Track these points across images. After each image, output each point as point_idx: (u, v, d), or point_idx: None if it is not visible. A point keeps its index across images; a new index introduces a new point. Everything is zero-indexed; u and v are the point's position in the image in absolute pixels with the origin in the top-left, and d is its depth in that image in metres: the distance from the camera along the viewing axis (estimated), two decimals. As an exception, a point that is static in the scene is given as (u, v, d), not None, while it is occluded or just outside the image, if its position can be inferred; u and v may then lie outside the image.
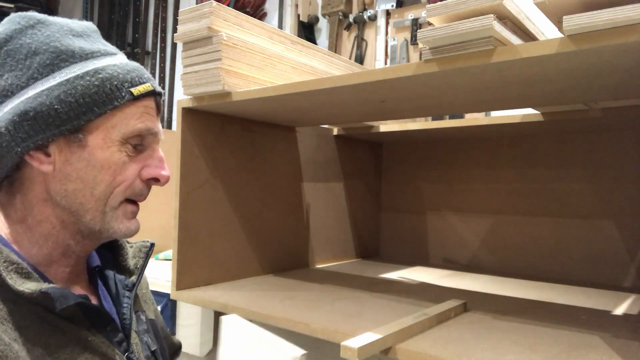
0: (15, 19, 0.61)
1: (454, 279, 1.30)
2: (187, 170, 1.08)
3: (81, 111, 0.59)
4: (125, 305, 0.70)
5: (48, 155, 0.60)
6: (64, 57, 0.60)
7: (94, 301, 0.66)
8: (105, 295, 0.70)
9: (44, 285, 0.57)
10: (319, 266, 1.45)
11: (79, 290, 0.67)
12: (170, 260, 1.63)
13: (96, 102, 0.60)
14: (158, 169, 0.67)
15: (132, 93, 0.62)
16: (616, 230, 1.27)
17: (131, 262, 0.74)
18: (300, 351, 0.77)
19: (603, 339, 0.79)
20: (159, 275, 1.46)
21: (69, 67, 0.60)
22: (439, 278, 1.31)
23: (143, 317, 0.74)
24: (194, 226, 1.09)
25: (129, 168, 0.64)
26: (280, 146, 1.33)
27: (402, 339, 0.76)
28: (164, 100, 2.99)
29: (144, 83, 0.64)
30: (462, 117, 1.50)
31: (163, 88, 2.99)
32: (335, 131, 1.52)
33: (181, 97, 1.08)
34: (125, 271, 0.73)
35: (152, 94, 0.65)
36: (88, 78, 0.59)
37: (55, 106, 0.58)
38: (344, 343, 0.69)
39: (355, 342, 0.69)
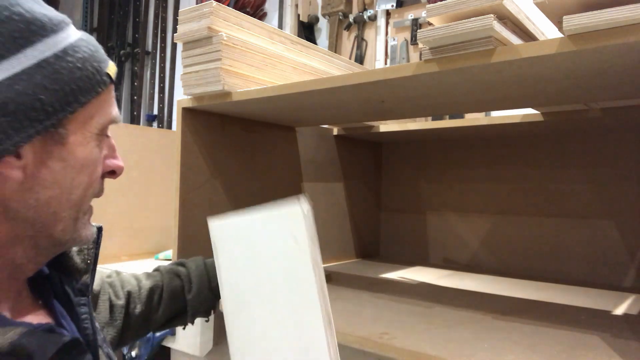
0: None
1: (454, 279, 1.30)
2: (187, 170, 1.08)
3: (67, 101, 0.48)
4: (84, 316, 0.59)
5: (19, 158, 0.47)
6: (34, 29, 0.46)
7: (47, 321, 0.54)
8: (60, 310, 0.58)
9: (13, 335, 0.43)
10: (319, 266, 1.45)
11: (31, 317, 0.53)
12: (170, 260, 1.63)
13: (81, 89, 0.49)
14: (114, 159, 0.57)
15: (109, 76, 0.53)
16: (616, 230, 1.27)
17: (77, 259, 0.61)
18: (299, 200, 0.64)
19: (603, 339, 0.79)
20: (159, 275, 1.46)
21: (41, 42, 0.47)
22: (439, 278, 1.31)
23: (97, 325, 0.63)
24: (194, 226, 1.09)
25: (100, 164, 0.55)
26: (280, 146, 1.33)
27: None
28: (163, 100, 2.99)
29: (108, 60, 0.54)
30: (462, 117, 1.50)
31: (163, 88, 2.99)
32: (335, 131, 1.52)
33: (181, 97, 1.08)
34: (73, 272, 0.60)
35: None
36: (69, 58, 0.48)
37: (40, 96, 0.46)
38: None
39: None
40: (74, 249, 0.61)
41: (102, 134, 0.54)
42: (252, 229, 0.70)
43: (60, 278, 0.60)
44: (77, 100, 0.49)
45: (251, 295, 0.70)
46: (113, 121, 0.55)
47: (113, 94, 0.55)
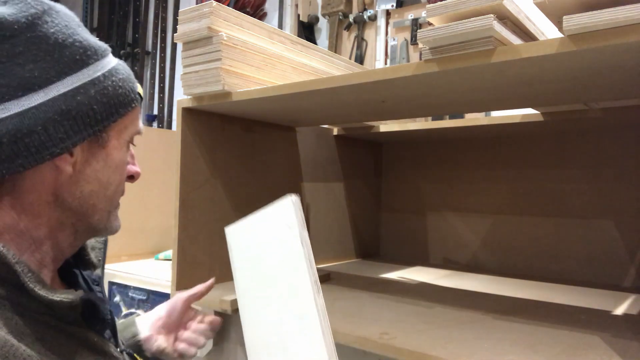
0: (27, 0, 0.56)
1: (454, 279, 1.30)
2: (187, 170, 1.08)
3: (110, 112, 0.59)
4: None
5: (72, 155, 0.58)
6: (90, 54, 0.58)
7: None
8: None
9: (79, 293, 0.56)
10: (319, 266, 1.45)
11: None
12: (170, 260, 1.63)
13: (121, 103, 0.60)
14: (134, 166, 0.69)
15: (140, 94, 0.64)
16: (616, 230, 1.27)
17: (92, 255, 0.72)
18: (290, 195, 0.75)
19: (603, 339, 0.79)
20: (159, 275, 1.47)
21: (94, 65, 0.58)
22: (439, 278, 1.31)
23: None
24: (194, 226, 1.09)
25: (126, 167, 0.66)
26: (280, 146, 1.33)
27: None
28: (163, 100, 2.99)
29: (136, 82, 0.65)
30: (462, 117, 1.50)
31: (163, 88, 2.99)
32: (335, 131, 1.52)
33: (181, 97, 1.08)
34: (89, 265, 0.71)
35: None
36: (113, 78, 0.60)
37: (94, 106, 0.57)
38: None
39: None
40: (89, 246, 0.72)
41: (131, 142, 0.66)
42: (254, 227, 0.79)
43: (80, 269, 0.70)
44: (118, 112, 0.60)
45: (257, 287, 0.77)
46: (139, 132, 0.67)
47: (141, 110, 0.67)
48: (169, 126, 2.92)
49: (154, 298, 1.43)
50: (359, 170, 1.63)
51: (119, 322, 0.83)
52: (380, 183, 1.73)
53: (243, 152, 1.22)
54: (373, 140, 1.68)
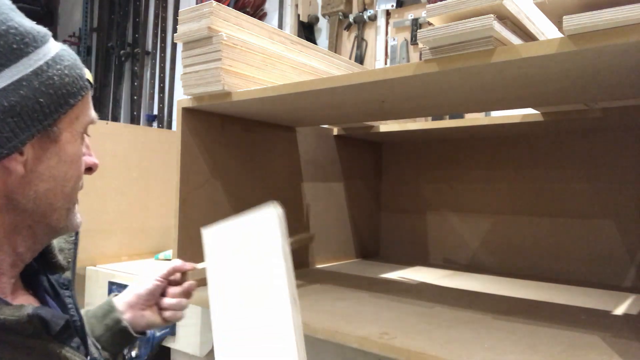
0: None
1: (454, 279, 1.30)
2: (187, 170, 1.08)
3: (59, 103, 0.54)
4: (70, 306, 0.65)
5: (22, 154, 0.53)
6: (28, 41, 0.52)
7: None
8: (48, 301, 0.64)
9: (29, 309, 0.52)
10: (319, 266, 1.45)
11: (24, 301, 0.60)
12: (170, 260, 1.63)
13: (70, 92, 0.56)
14: (90, 157, 0.64)
15: (89, 81, 0.59)
16: (616, 230, 1.27)
17: (60, 257, 0.67)
18: (273, 205, 0.73)
19: (603, 339, 0.79)
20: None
21: (34, 53, 0.53)
22: (439, 278, 1.31)
23: (83, 315, 0.70)
24: (194, 226, 1.08)
25: (83, 159, 0.61)
26: (280, 146, 1.33)
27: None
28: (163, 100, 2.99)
29: (84, 67, 0.60)
30: (462, 117, 1.50)
31: (163, 88, 2.99)
32: (335, 131, 1.52)
33: (181, 97, 1.08)
34: (57, 268, 0.67)
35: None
36: (58, 66, 0.54)
37: (40, 99, 0.52)
38: None
39: None
40: (57, 248, 0.67)
41: (84, 133, 0.60)
42: (234, 233, 0.79)
43: (46, 273, 0.66)
44: (67, 102, 0.55)
45: (232, 293, 0.77)
46: (92, 121, 0.62)
47: (91, 97, 0.62)
48: (169, 126, 2.92)
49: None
50: (359, 171, 1.63)
51: (97, 308, 0.82)
52: (380, 183, 1.73)
53: (243, 152, 1.22)
54: (373, 140, 1.67)
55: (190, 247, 1.08)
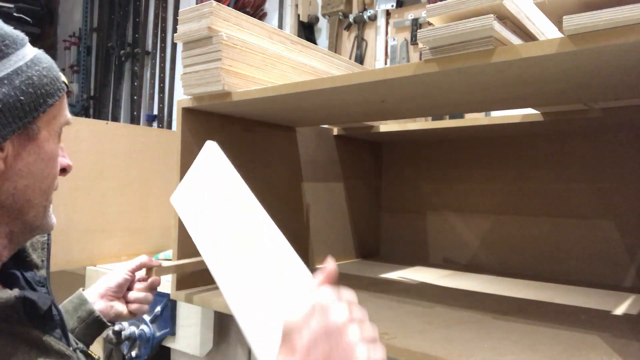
0: None
1: (454, 279, 1.30)
2: (187, 170, 1.07)
3: (39, 102, 0.57)
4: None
5: (2, 150, 0.55)
6: (8, 43, 0.56)
7: None
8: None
9: (15, 292, 0.54)
10: (319, 266, 1.45)
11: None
12: (170, 260, 1.63)
13: (48, 92, 0.58)
14: (65, 158, 0.66)
15: (65, 83, 0.62)
16: (616, 230, 1.27)
17: (34, 256, 0.70)
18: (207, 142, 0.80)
19: (603, 339, 0.79)
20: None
21: (15, 54, 0.56)
22: (439, 278, 1.31)
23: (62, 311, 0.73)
24: (194, 226, 1.09)
25: (59, 159, 0.64)
26: (280, 146, 1.33)
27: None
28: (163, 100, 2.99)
29: (60, 70, 0.63)
30: (462, 117, 1.50)
31: (163, 88, 2.99)
32: (335, 131, 1.52)
33: (181, 97, 1.08)
34: (31, 266, 0.69)
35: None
36: (37, 67, 0.58)
37: (20, 97, 0.55)
38: None
39: None
40: (30, 248, 0.70)
41: (60, 133, 0.63)
42: (192, 183, 0.84)
43: (21, 271, 0.67)
44: (45, 102, 0.58)
45: (220, 239, 0.77)
46: (67, 122, 0.64)
47: (66, 100, 0.64)
48: (169, 126, 2.92)
49: (154, 298, 1.43)
50: (359, 170, 1.63)
51: (67, 302, 0.85)
52: (380, 183, 1.73)
53: (243, 152, 1.22)
54: (373, 140, 1.68)
55: (190, 247, 1.08)
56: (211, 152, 0.83)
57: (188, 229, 0.82)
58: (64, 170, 0.66)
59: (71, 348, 0.64)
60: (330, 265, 0.56)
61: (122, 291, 0.91)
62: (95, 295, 0.88)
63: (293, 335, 0.50)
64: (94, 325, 0.84)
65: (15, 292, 0.55)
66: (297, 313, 0.51)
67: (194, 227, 0.81)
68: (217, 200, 0.78)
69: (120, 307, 0.89)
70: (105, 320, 0.85)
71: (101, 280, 0.91)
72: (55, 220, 0.65)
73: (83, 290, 0.88)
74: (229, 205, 0.77)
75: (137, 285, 0.93)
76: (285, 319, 0.52)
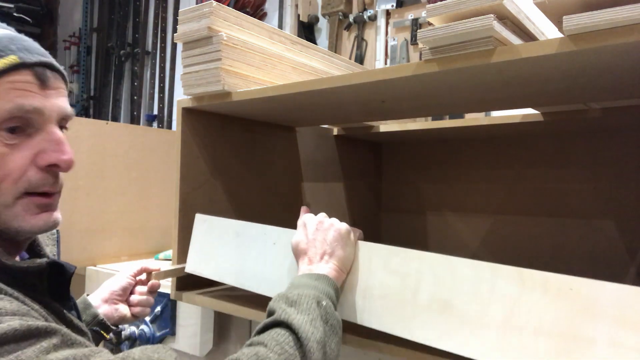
0: None
1: (454, 279, 1.29)
2: (187, 170, 1.07)
3: None
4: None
5: None
6: None
7: None
8: None
9: (44, 260, 0.59)
10: (319, 266, 1.44)
11: None
12: (170, 260, 1.63)
13: None
14: (56, 153, 0.58)
15: (39, 63, 0.56)
16: (616, 230, 1.27)
17: (47, 250, 0.71)
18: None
19: (603, 339, 0.79)
20: (159, 275, 1.46)
21: None
22: (439, 278, 1.30)
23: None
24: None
25: (12, 159, 0.55)
26: (280, 146, 1.33)
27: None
28: (163, 100, 2.99)
29: (6, 56, 0.54)
30: (462, 117, 1.50)
31: (163, 88, 2.99)
32: (335, 131, 1.52)
33: (181, 97, 1.08)
34: (45, 257, 0.68)
35: (24, 66, 0.55)
36: None
37: None
38: None
39: None
40: (42, 242, 0.71)
41: (6, 129, 0.55)
42: (199, 246, 1.00)
43: None
44: None
45: (241, 261, 0.91)
46: (13, 115, 0.55)
47: (24, 86, 0.56)
48: (169, 126, 2.92)
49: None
50: (359, 171, 1.63)
51: None
52: (380, 183, 1.73)
53: (243, 152, 1.22)
54: (373, 140, 1.67)
55: (190, 247, 1.08)
56: (204, 221, 0.97)
57: (212, 277, 0.93)
58: (56, 166, 0.59)
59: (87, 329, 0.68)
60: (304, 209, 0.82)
61: (126, 294, 0.93)
62: (99, 299, 0.90)
63: (299, 248, 0.75)
64: (97, 328, 0.86)
65: (44, 260, 0.58)
66: (295, 236, 0.76)
67: (215, 270, 0.92)
68: (229, 240, 0.91)
69: (124, 309, 0.92)
70: (109, 324, 0.88)
71: (104, 285, 0.94)
72: (38, 222, 0.59)
73: (87, 295, 0.91)
74: (241, 238, 0.89)
75: (139, 289, 0.95)
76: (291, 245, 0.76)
